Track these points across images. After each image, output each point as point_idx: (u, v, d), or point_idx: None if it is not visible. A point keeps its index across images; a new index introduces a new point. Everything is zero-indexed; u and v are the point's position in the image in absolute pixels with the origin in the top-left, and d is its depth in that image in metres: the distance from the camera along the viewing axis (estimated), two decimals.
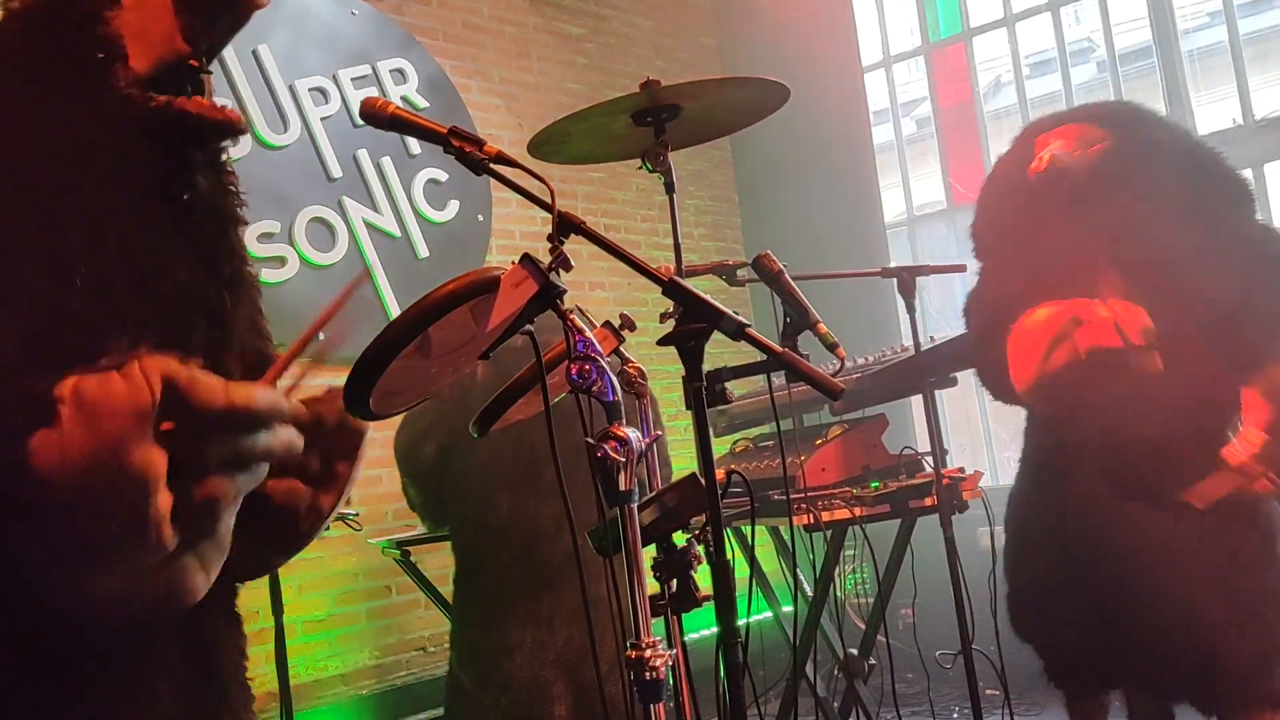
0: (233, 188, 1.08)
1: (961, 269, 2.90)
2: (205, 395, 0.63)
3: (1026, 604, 2.51)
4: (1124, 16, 5.22)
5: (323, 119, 4.15)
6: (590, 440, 1.31)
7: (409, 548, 3.49)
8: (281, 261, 3.90)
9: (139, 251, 0.86)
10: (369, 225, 4.21)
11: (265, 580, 2.86)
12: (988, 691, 3.05)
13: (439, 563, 3.44)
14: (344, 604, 3.89)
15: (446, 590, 3.26)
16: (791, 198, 5.60)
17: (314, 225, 4.04)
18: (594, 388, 1.31)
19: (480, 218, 4.60)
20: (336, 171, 4.15)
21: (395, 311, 4.05)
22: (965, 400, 5.15)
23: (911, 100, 6.69)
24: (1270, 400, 2.20)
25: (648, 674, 1.25)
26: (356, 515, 3.18)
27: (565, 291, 1.35)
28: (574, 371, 1.32)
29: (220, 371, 0.81)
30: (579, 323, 1.36)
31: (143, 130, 0.89)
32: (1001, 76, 6.51)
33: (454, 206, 4.50)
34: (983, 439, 5.24)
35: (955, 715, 3.90)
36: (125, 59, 0.88)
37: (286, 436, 0.74)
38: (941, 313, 5.96)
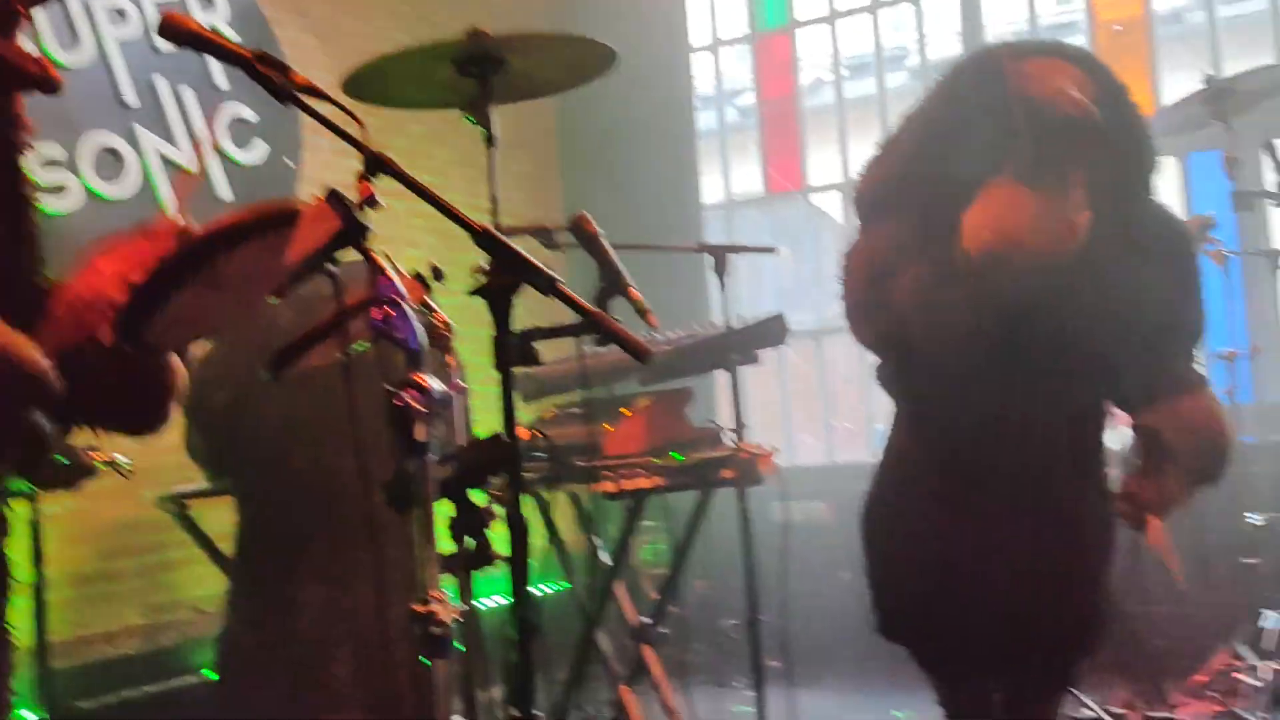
0: (19, 116, 0.99)
1: (773, 251, 2.98)
2: None
3: (902, 601, 2.37)
4: (938, 27, 5.45)
5: (120, 41, 3.86)
6: (389, 388, 1.26)
7: (187, 501, 3.31)
8: (64, 190, 3.61)
9: None
10: (165, 159, 3.95)
11: (25, 529, 2.65)
12: (771, 663, 3.16)
13: (219, 518, 3.27)
14: (111, 558, 3.65)
15: (227, 549, 3.12)
16: (613, 173, 5.61)
17: (102, 155, 3.76)
18: (396, 334, 1.26)
19: (289, 163, 4.39)
20: (131, 99, 3.87)
21: None
22: (766, 380, 5.31)
23: (736, 89, 6.81)
24: (1185, 438, 2.13)
25: (434, 628, 1.21)
26: (129, 465, 2.98)
27: (371, 231, 1.29)
28: (377, 315, 1.27)
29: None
30: (385, 265, 1.30)
31: None
32: (822, 76, 6.72)
33: (261, 148, 4.28)
34: (780, 419, 5.42)
35: (739, 685, 4.02)
36: None
37: None
38: (751, 297, 6.12)
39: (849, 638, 4.56)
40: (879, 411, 5.50)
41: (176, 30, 1.35)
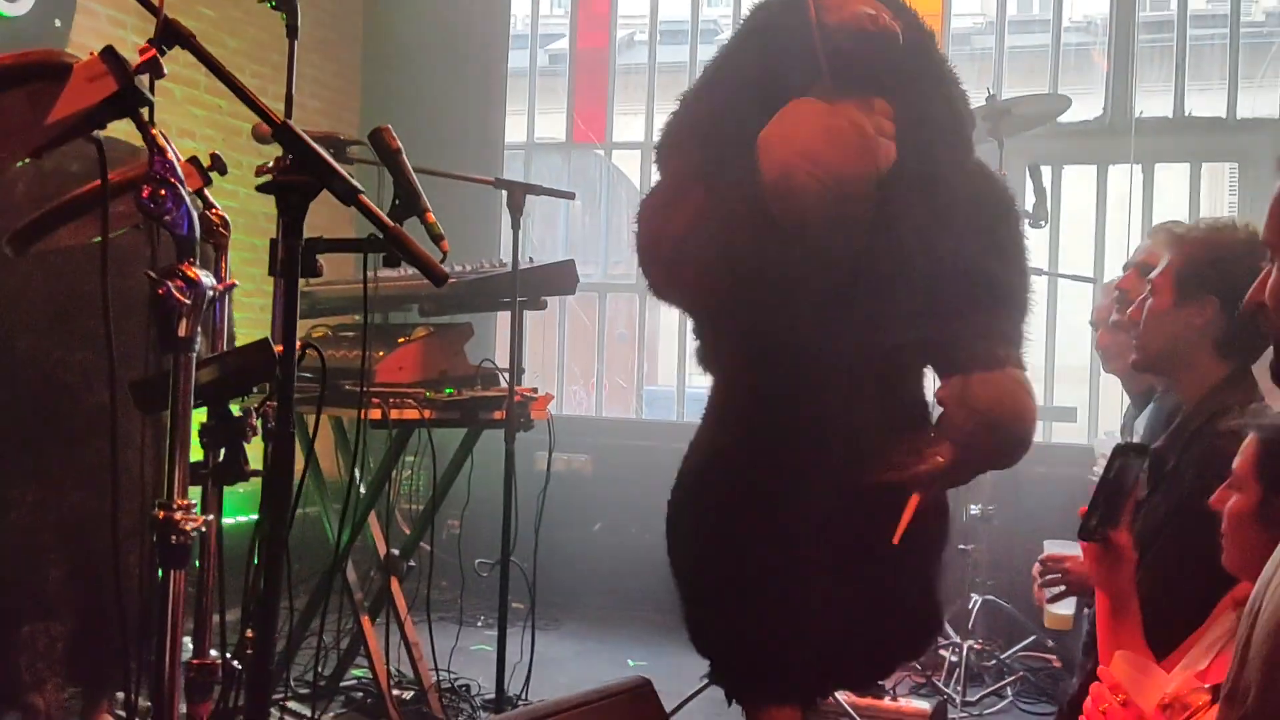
0: None
1: (571, 196, 2.96)
2: None
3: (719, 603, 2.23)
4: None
5: None
6: (152, 275, 1.16)
7: None
8: None
9: None
10: None
11: None
12: (514, 604, 3.18)
13: None
14: None
15: None
16: (417, 96, 5.41)
17: None
18: (166, 217, 1.16)
19: (58, 23, 3.96)
20: None
21: None
22: (545, 328, 5.30)
23: (551, 34, 6.72)
24: (961, 414, 2.07)
25: (174, 537, 1.13)
26: None
27: (150, 102, 1.17)
28: (146, 194, 1.16)
29: None
30: (161, 141, 1.19)
31: None
32: (636, 34, 6.71)
33: (27, 2, 3.85)
34: (555, 369, 5.43)
35: (480, 624, 4.04)
36: None
37: None
38: (542, 245, 6.07)
39: (594, 587, 4.69)
40: (651, 372, 5.61)
41: None
